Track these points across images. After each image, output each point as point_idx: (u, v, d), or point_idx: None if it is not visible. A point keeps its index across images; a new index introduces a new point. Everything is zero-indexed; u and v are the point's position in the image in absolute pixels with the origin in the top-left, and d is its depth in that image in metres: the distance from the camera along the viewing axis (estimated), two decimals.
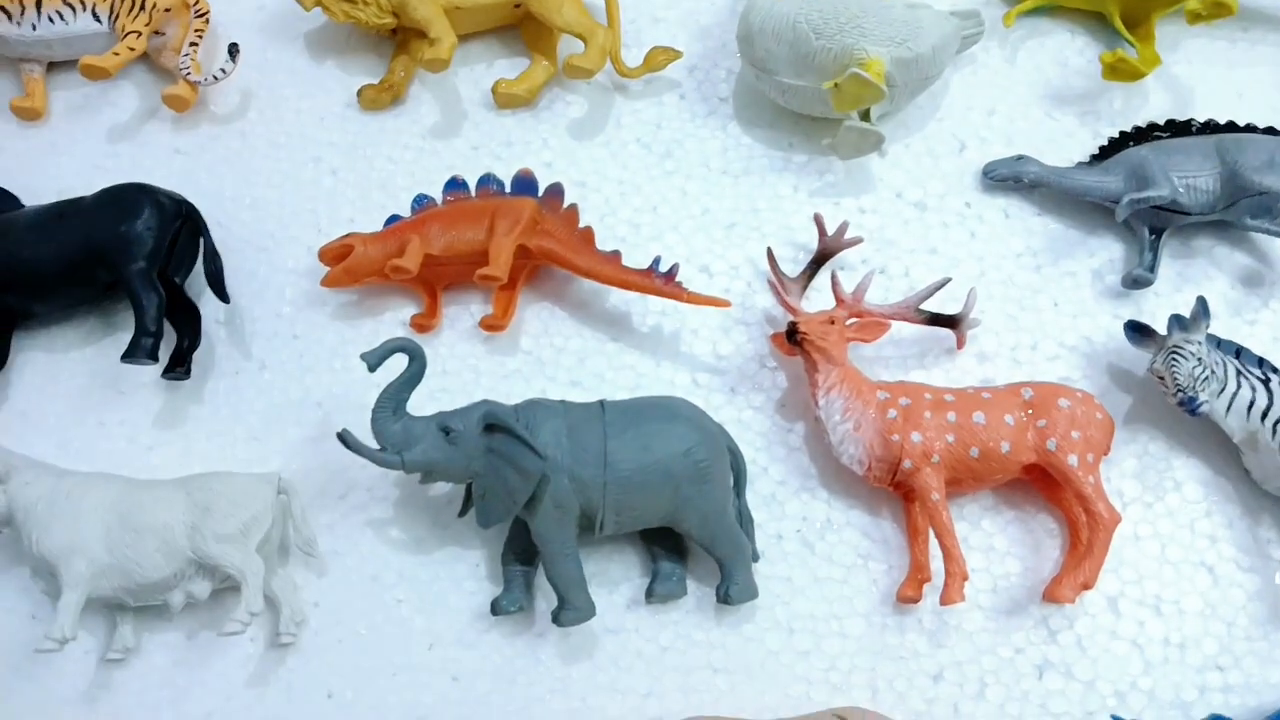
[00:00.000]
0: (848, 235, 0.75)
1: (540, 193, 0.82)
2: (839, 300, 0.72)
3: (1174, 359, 0.68)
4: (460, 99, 0.87)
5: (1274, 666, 0.67)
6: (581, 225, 0.81)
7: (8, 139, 0.87)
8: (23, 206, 0.82)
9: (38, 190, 0.83)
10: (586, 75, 0.82)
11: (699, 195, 0.83)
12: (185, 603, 0.68)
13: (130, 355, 0.79)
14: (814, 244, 0.76)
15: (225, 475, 0.76)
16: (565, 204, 0.80)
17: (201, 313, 0.84)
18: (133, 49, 0.85)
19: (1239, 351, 0.71)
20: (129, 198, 0.77)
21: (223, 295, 0.83)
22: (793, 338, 0.70)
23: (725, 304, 0.77)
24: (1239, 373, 0.70)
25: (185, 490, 0.76)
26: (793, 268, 0.77)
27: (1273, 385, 0.69)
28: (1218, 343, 0.71)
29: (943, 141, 0.83)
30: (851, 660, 0.67)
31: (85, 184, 0.82)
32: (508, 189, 0.83)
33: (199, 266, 0.83)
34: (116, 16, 0.86)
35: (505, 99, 0.85)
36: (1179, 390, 0.68)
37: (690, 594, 0.69)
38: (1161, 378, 0.69)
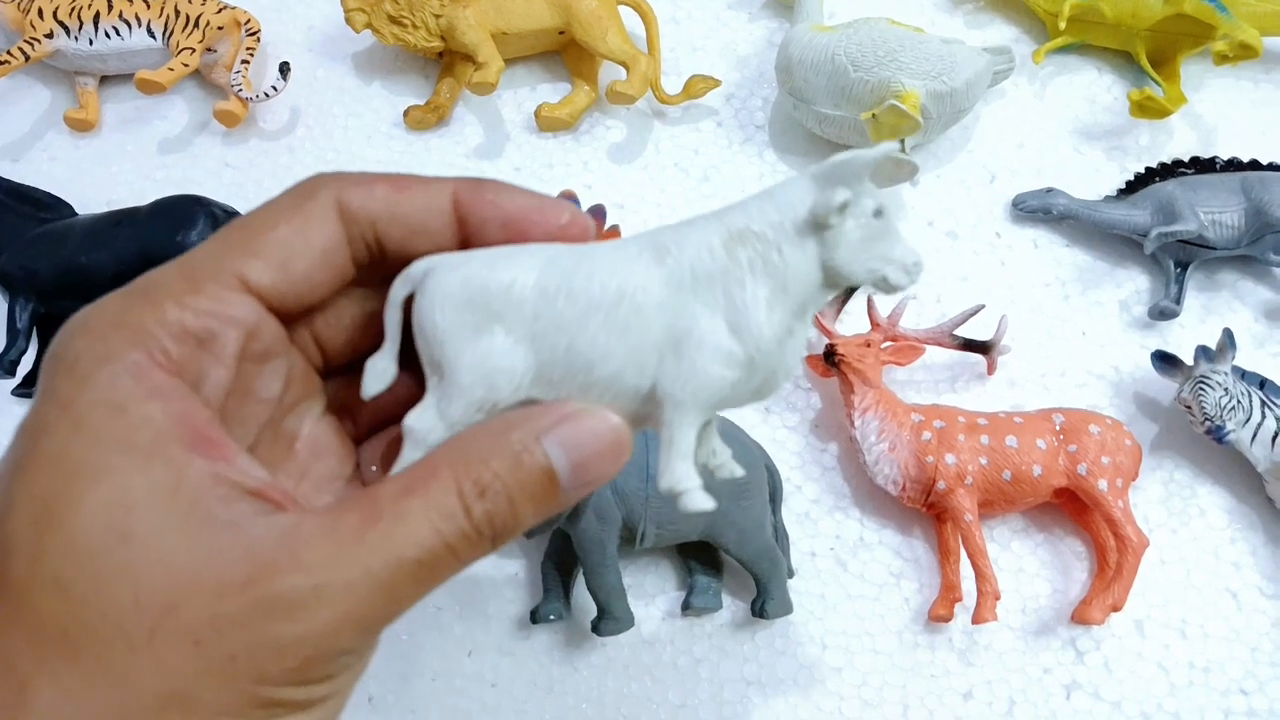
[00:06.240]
0: None
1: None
2: (875, 324, 0.74)
3: (1201, 389, 0.70)
4: (503, 121, 0.89)
5: None
6: None
7: (61, 149, 0.89)
8: (76, 215, 0.83)
9: (89, 200, 0.85)
10: (629, 101, 0.84)
11: None
12: None
13: None
14: None
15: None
16: (607, 224, 0.82)
17: None
18: (186, 65, 0.87)
19: (1263, 383, 0.72)
20: (184, 208, 0.78)
21: None
22: (830, 359, 0.72)
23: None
24: (1264, 404, 0.71)
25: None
26: None
27: None
28: (1242, 374, 0.72)
29: (973, 173, 0.85)
30: (883, 676, 0.68)
31: (136, 195, 0.84)
32: None
33: None
34: (171, 33, 0.88)
35: (548, 122, 0.87)
36: (1207, 419, 0.69)
37: (726, 608, 0.70)
38: (1189, 407, 0.70)
